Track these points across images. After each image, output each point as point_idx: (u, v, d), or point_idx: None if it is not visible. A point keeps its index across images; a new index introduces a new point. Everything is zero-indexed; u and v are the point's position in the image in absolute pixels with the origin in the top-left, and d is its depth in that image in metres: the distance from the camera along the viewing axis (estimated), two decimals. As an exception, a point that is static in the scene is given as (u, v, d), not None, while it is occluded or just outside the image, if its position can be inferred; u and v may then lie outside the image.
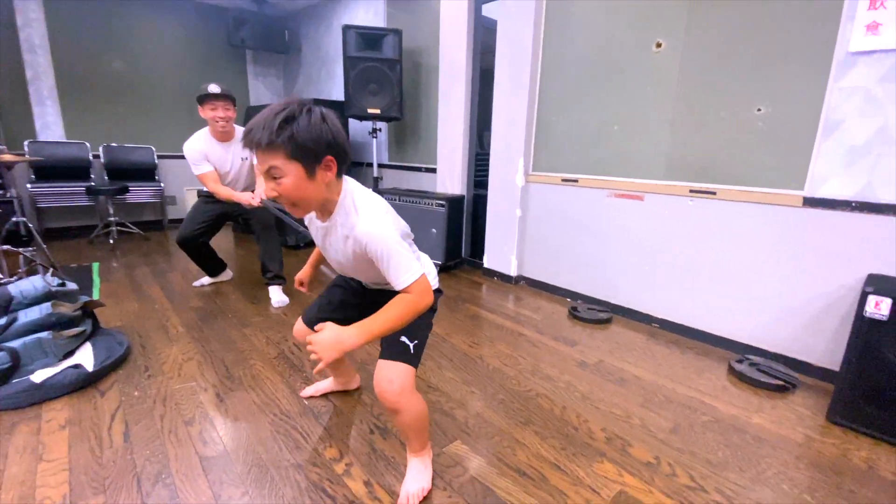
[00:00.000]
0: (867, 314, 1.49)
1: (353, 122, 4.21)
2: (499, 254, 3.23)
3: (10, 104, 3.86)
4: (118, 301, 2.57)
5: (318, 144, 0.94)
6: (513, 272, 3.15)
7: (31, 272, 2.72)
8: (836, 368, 1.78)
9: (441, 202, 3.27)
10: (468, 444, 1.44)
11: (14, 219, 3.08)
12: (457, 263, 3.54)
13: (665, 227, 2.36)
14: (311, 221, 1.17)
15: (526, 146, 2.94)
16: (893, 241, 1.68)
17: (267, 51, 5.12)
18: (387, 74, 3.47)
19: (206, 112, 2.39)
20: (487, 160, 3.23)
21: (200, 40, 4.75)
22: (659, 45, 2.26)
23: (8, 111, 3.86)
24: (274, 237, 2.71)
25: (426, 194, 3.44)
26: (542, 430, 1.52)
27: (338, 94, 4.51)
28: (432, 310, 1.25)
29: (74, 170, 4.12)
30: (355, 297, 1.36)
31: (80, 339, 1.85)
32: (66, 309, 1.83)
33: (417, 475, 1.22)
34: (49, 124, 4.06)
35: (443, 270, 3.40)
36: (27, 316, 1.74)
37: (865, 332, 1.50)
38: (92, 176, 4.22)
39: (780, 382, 1.82)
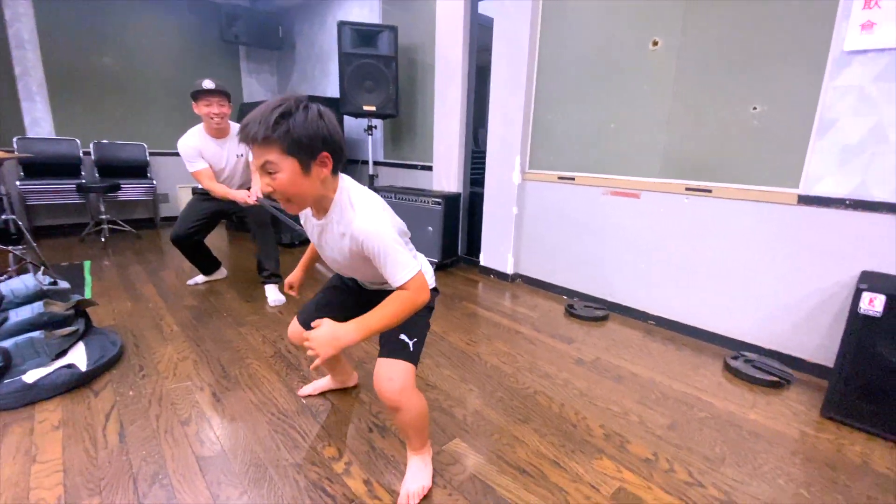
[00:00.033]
0: (861, 311, 1.51)
1: (348, 120, 4.18)
2: (495, 252, 3.23)
3: (-2, 100, 3.79)
4: (111, 300, 2.53)
5: (313, 140, 0.94)
6: (509, 270, 3.15)
7: (22, 271, 2.68)
8: (830, 364, 1.80)
9: (437, 200, 3.26)
10: (467, 441, 1.43)
11: (3, 216, 3.03)
12: (453, 261, 3.54)
13: (661, 225, 2.37)
14: (307, 219, 1.17)
15: (522, 144, 2.94)
16: (887, 239, 1.70)
17: (260, 47, 5.07)
18: (382, 71, 3.45)
19: (200, 108, 2.36)
20: (482, 158, 3.22)
21: (193, 36, 4.70)
22: (655, 44, 2.27)
23: (-4, 107, 3.79)
24: (270, 235, 2.69)
25: (422, 192, 3.44)
26: (540, 427, 1.52)
27: (332, 91, 4.49)
28: (430, 308, 1.25)
29: (64, 167, 4.05)
30: (351, 297, 1.35)
31: (73, 339, 1.82)
32: (59, 308, 1.80)
33: (418, 473, 1.22)
34: (38, 120, 3.99)
35: (439, 268, 3.40)
36: (18, 315, 1.72)
37: (860, 329, 1.52)
38: (82, 173, 4.16)
39: (775, 378, 1.83)
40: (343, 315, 1.04)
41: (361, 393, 1.70)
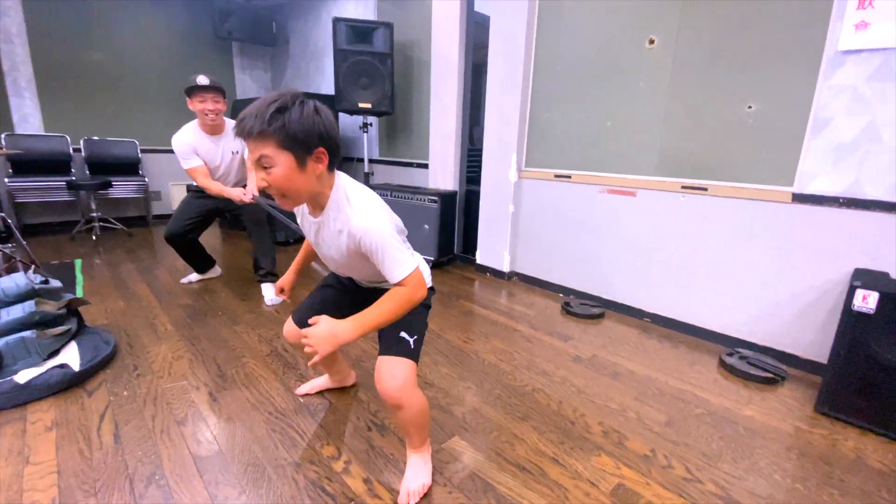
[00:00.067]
0: (855, 308, 1.53)
1: (343, 117, 4.16)
2: (491, 250, 3.23)
3: (-15, 95, 3.72)
4: (103, 299, 2.50)
5: (309, 135, 0.93)
6: (505, 268, 3.15)
7: (11, 269, 2.63)
8: (823, 361, 1.82)
9: (433, 198, 3.25)
10: (467, 439, 1.43)
11: (-8, 214, 2.98)
12: (449, 259, 3.54)
13: (657, 223, 2.38)
14: (304, 217, 1.16)
15: (519, 142, 2.94)
16: (879, 237, 1.73)
17: (254, 43, 5.02)
18: (378, 68, 3.43)
19: (194, 104, 2.33)
20: (478, 156, 3.21)
21: (185, 31, 4.64)
22: (652, 42, 2.28)
23: (-17, 103, 3.72)
24: (266, 234, 2.66)
25: (419, 190, 3.43)
26: (539, 424, 1.53)
27: (326, 87, 4.46)
28: (427, 307, 1.25)
29: (54, 164, 3.99)
30: (346, 295, 1.34)
31: (65, 338, 1.79)
32: (51, 307, 1.77)
33: (418, 472, 1.21)
34: (27, 116, 3.92)
35: (435, 266, 3.39)
36: (9, 314, 1.69)
37: (853, 326, 1.54)
38: (73, 170, 4.10)
39: (770, 375, 1.85)
40: (339, 313, 1.03)
41: (359, 392, 1.70)
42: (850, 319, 1.54)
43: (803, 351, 1.97)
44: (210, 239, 4.06)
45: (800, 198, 1.90)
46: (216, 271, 2.96)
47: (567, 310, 2.57)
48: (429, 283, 1.21)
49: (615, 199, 2.54)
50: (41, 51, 3.89)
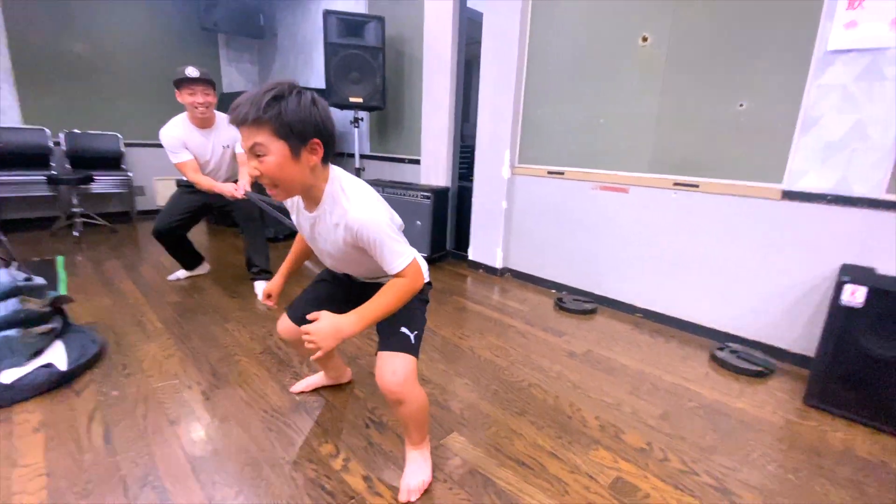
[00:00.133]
0: (843, 302, 1.56)
1: (333, 111, 4.09)
2: (484, 246, 3.23)
3: (-41, 86, 3.58)
4: (88, 297, 2.43)
5: (305, 126, 0.93)
6: (498, 264, 3.16)
7: (-10, 266, 2.54)
8: (811, 354, 1.86)
9: (426, 194, 3.24)
10: (465, 435, 1.43)
11: (-32, 209, 2.87)
12: (442, 256, 3.53)
13: (649, 220, 2.40)
14: (299, 212, 1.14)
15: (512, 139, 2.94)
16: (866, 233, 1.77)
17: (241, 35, 4.92)
18: (369, 62, 3.39)
19: (183, 97, 2.27)
20: (470, 152, 3.20)
21: (170, 22, 4.52)
22: (645, 40, 2.29)
23: (-43, 93, 3.59)
24: (259, 230, 2.62)
25: (411, 186, 3.41)
26: (537, 419, 1.53)
27: (315, 81, 4.40)
28: (425, 301, 1.25)
29: (33, 158, 3.86)
30: (341, 290, 1.32)
31: (51, 337, 1.74)
32: (35, 305, 1.72)
33: (417, 468, 1.21)
34: (4, 109, 3.79)
35: (428, 263, 3.35)
36: (-8, 313, 1.63)
37: (841, 320, 1.58)
38: (52, 164, 3.97)
39: (759, 368, 1.89)
40: (335, 308, 1.02)
41: (356, 388, 1.68)
42: (839, 313, 1.58)
43: (791, 345, 2.01)
44: (197, 235, 3.98)
45: (789, 195, 1.94)
46: (205, 268, 2.90)
47: (560, 305, 2.58)
48: (426, 278, 1.21)
49: (608, 196, 2.56)
50: (19, 40, 3.75)
